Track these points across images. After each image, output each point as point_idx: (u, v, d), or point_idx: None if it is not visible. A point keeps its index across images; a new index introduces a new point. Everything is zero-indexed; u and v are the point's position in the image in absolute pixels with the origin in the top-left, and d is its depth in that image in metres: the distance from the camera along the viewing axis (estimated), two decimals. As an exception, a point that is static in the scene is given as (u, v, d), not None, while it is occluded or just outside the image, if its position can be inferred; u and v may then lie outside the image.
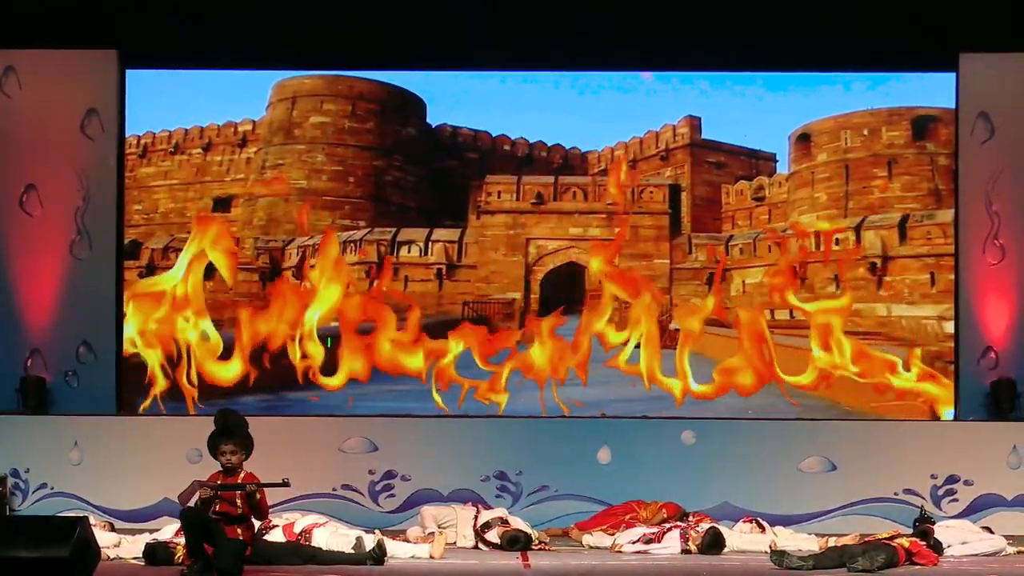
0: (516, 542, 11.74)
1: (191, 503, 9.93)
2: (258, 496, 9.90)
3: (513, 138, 14.55)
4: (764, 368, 13.98)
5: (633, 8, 13.71)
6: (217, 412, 10.41)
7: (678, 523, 12.03)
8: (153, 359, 14.02)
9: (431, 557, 11.17)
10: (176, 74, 14.35)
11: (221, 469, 10.06)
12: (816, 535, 12.19)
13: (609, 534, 12.16)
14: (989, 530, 12.16)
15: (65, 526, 9.40)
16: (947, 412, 13.79)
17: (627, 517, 12.40)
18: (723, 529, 11.90)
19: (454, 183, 14.55)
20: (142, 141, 14.45)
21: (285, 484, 10.03)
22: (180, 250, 14.24)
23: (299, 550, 10.86)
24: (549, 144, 14.53)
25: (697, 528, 11.78)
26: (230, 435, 10.05)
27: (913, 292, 14.08)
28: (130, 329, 14.04)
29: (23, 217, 13.96)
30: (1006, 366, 13.73)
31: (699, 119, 14.43)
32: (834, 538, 11.93)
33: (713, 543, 11.57)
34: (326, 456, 13.28)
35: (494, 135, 14.54)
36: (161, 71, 14.30)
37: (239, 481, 9.97)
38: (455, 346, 14.05)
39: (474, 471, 13.31)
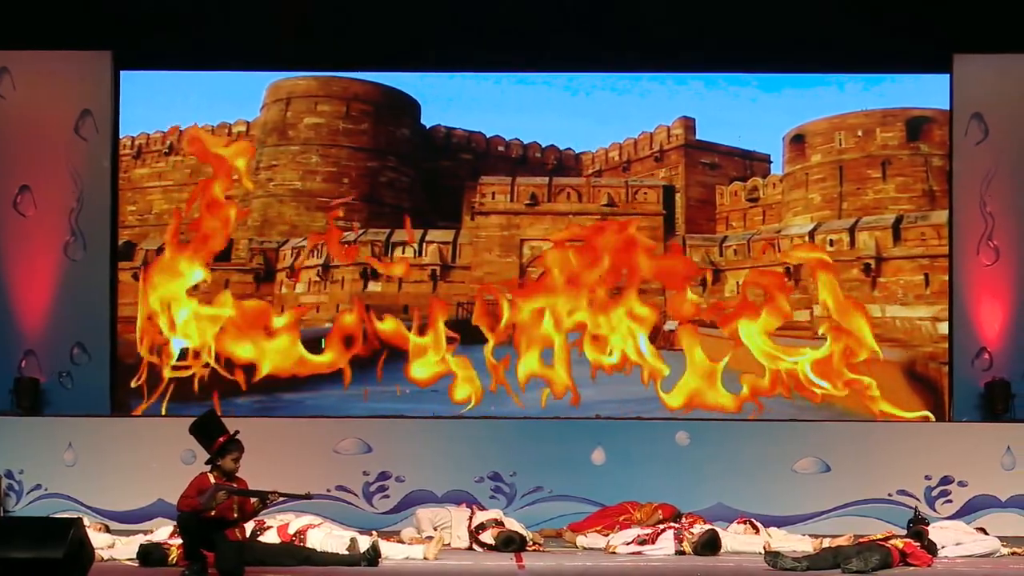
0: (510, 543, 11.73)
1: (210, 505, 9.90)
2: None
3: (507, 139, 14.54)
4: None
5: (627, 9, 13.72)
6: (205, 417, 10.39)
7: (672, 524, 12.03)
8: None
9: (425, 558, 11.18)
10: (170, 75, 14.35)
11: (220, 473, 10.03)
12: (810, 536, 12.18)
13: (603, 535, 12.15)
14: (983, 531, 12.16)
15: (59, 527, 9.38)
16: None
17: (621, 518, 12.40)
18: (718, 530, 11.92)
19: (448, 184, 14.54)
20: (136, 142, 14.44)
21: (308, 497, 10.23)
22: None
23: (293, 551, 10.88)
24: (543, 145, 14.52)
25: (691, 529, 11.78)
26: (236, 442, 10.12)
27: (907, 293, 14.09)
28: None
29: (17, 218, 13.95)
30: (1000, 367, 13.74)
31: (693, 120, 14.43)
32: (828, 539, 11.94)
33: (709, 544, 11.57)
34: (320, 457, 13.27)
35: (488, 136, 14.53)
36: (155, 72, 14.29)
37: (235, 485, 10.00)
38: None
39: (468, 472, 13.31)
